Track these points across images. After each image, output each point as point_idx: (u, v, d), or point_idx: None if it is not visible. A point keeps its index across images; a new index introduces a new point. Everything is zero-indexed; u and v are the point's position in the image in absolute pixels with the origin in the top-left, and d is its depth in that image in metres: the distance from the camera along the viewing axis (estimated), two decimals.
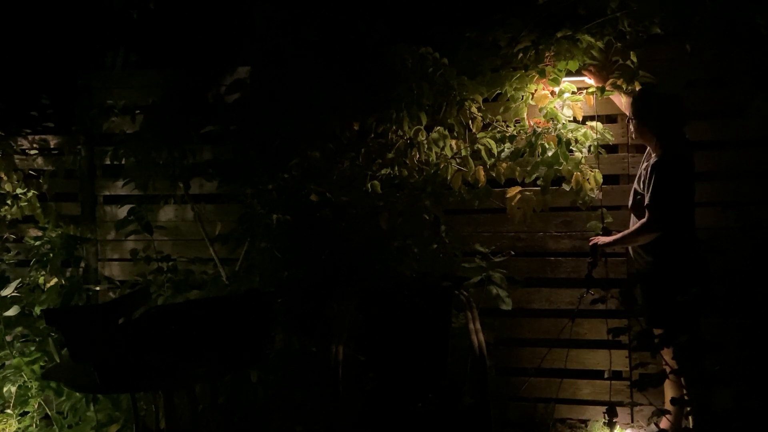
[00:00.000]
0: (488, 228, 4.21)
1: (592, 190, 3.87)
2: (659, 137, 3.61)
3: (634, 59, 3.71)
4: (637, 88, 3.73)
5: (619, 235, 3.71)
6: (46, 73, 5.03)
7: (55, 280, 4.28)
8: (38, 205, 4.60)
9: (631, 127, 3.72)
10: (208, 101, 4.43)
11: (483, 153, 3.85)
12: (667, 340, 3.10)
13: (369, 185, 3.98)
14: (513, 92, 3.91)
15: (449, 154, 3.94)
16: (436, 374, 3.64)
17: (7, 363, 4.11)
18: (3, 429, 4.09)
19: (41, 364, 4.05)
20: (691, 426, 3.31)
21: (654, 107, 3.62)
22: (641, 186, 3.64)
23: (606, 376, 4.04)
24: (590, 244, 3.78)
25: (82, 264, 4.59)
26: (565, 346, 4.06)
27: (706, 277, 3.52)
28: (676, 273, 3.52)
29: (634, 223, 3.70)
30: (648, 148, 3.72)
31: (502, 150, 3.92)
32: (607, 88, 3.82)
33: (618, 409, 3.96)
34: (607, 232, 3.84)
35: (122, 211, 4.48)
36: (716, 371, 2.95)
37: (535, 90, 3.89)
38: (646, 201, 3.55)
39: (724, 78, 3.94)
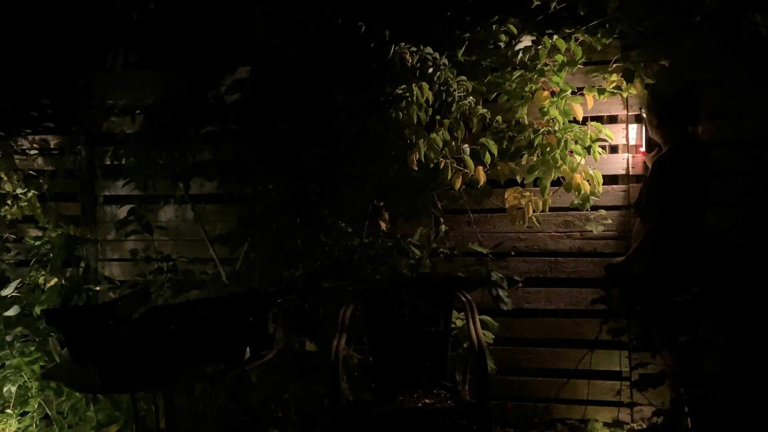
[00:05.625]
0: (488, 228, 4.21)
1: (591, 190, 3.87)
2: (668, 134, 3.60)
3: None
4: (637, 89, 3.73)
5: (630, 252, 3.69)
6: (46, 73, 5.01)
7: (55, 280, 4.28)
8: (38, 205, 4.59)
9: (646, 121, 3.72)
10: (208, 101, 4.44)
11: (483, 153, 3.86)
12: (666, 341, 3.10)
13: (369, 185, 3.98)
14: (513, 92, 3.91)
15: (449, 154, 3.94)
16: (436, 374, 3.64)
17: (7, 363, 4.11)
18: (3, 429, 4.09)
19: (41, 364, 4.05)
20: (690, 426, 3.31)
21: (668, 103, 3.61)
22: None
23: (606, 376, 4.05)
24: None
25: (82, 264, 4.58)
26: (565, 347, 4.06)
27: (706, 277, 3.50)
28: (675, 273, 3.51)
29: (638, 223, 3.71)
30: (660, 146, 3.72)
31: (502, 150, 3.92)
32: (607, 89, 3.82)
33: (618, 409, 4.00)
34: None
35: (122, 211, 4.47)
36: (716, 371, 2.96)
37: (535, 90, 3.89)
38: (644, 201, 3.54)
39: (724, 78, 3.94)
